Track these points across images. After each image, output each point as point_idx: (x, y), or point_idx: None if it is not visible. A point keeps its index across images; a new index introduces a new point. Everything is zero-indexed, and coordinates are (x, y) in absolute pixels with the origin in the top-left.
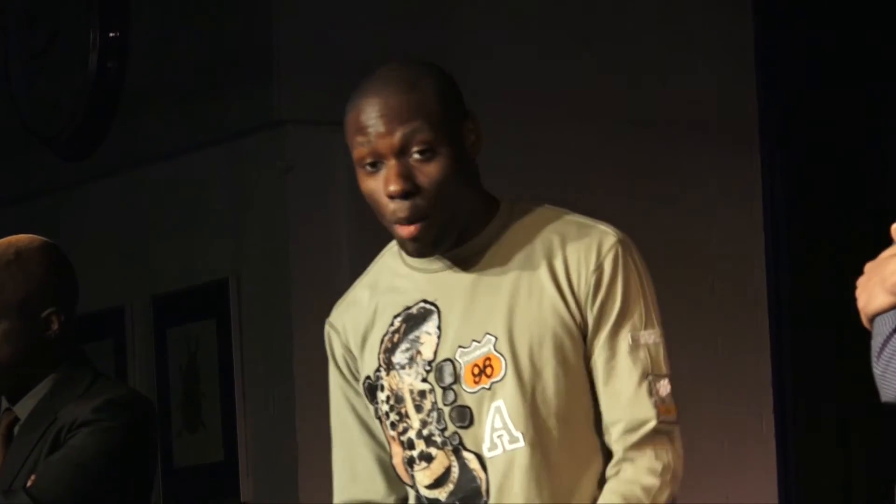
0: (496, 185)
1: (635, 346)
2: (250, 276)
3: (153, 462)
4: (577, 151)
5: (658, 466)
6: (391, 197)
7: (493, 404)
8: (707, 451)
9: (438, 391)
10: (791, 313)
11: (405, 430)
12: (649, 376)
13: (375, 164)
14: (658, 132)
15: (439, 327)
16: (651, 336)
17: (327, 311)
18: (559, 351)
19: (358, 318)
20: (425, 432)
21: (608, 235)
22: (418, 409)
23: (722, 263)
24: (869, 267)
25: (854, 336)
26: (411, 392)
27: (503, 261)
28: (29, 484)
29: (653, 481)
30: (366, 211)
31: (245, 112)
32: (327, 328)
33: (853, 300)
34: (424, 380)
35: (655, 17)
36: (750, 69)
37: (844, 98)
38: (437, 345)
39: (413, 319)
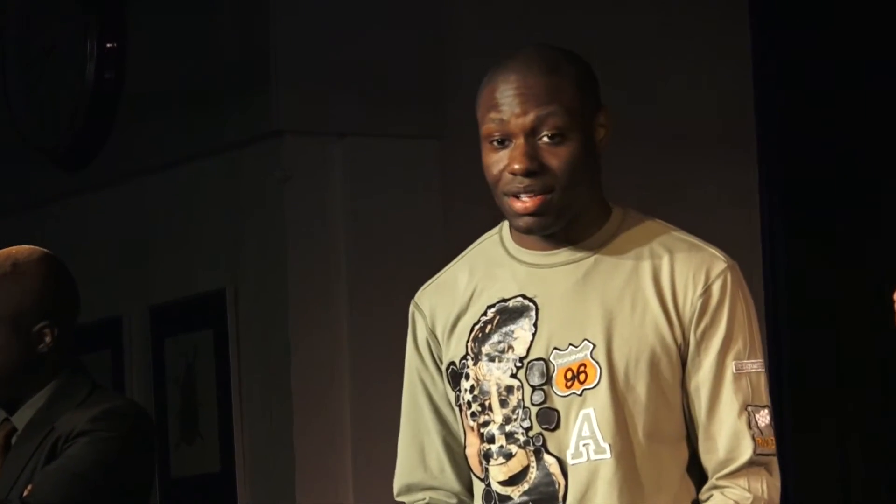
0: (490, 196)
1: (738, 375)
2: (248, 286)
3: (151, 472)
4: None
5: (748, 498)
6: (514, 174)
7: (583, 411)
8: None
9: (527, 389)
10: (788, 319)
11: (486, 423)
12: (749, 407)
13: (503, 142)
14: (655, 139)
15: (535, 325)
16: (754, 365)
17: (325, 321)
18: (655, 368)
19: (450, 300)
20: (508, 428)
21: (718, 260)
22: (503, 403)
23: None
24: None
25: (852, 341)
26: (498, 386)
27: (610, 269)
28: (26, 494)
29: None
30: (363, 221)
31: (242, 122)
32: (412, 308)
33: (852, 308)
34: (514, 375)
35: (653, 23)
36: (747, 75)
37: (842, 104)
38: (532, 342)
39: (508, 312)
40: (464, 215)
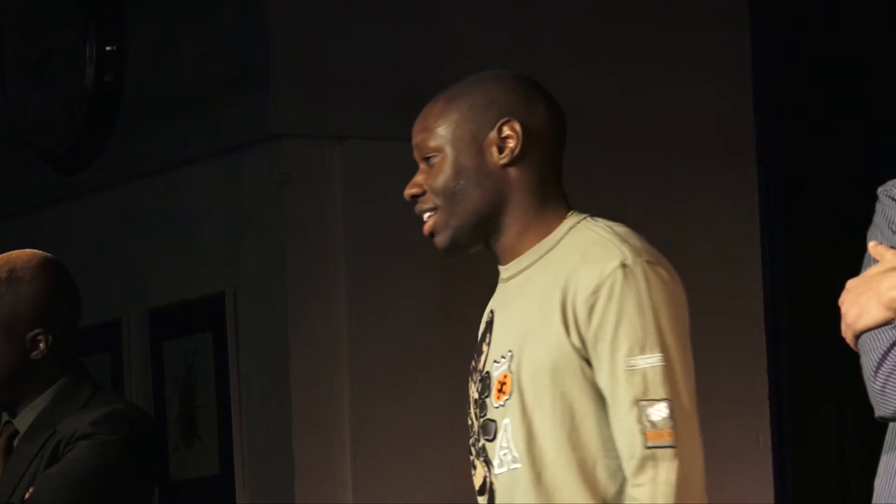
0: None
1: (630, 372)
2: (247, 289)
3: (152, 475)
4: (572, 165)
5: (642, 494)
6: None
7: (504, 421)
8: (704, 464)
9: (479, 402)
10: (788, 327)
11: (470, 436)
12: (641, 402)
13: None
14: (655, 145)
15: (490, 338)
16: (649, 360)
17: (324, 324)
18: (559, 376)
19: (482, 320)
20: (472, 441)
21: (613, 260)
22: (474, 417)
23: (718, 274)
24: (854, 283)
25: (851, 350)
26: (472, 400)
27: (538, 279)
28: (27, 496)
29: None
30: (362, 224)
31: (242, 125)
32: None
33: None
34: (477, 389)
35: (653, 30)
36: (747, 82)
37: (841, 111)
38: (486, 356)
39: (484, 328)
40: None
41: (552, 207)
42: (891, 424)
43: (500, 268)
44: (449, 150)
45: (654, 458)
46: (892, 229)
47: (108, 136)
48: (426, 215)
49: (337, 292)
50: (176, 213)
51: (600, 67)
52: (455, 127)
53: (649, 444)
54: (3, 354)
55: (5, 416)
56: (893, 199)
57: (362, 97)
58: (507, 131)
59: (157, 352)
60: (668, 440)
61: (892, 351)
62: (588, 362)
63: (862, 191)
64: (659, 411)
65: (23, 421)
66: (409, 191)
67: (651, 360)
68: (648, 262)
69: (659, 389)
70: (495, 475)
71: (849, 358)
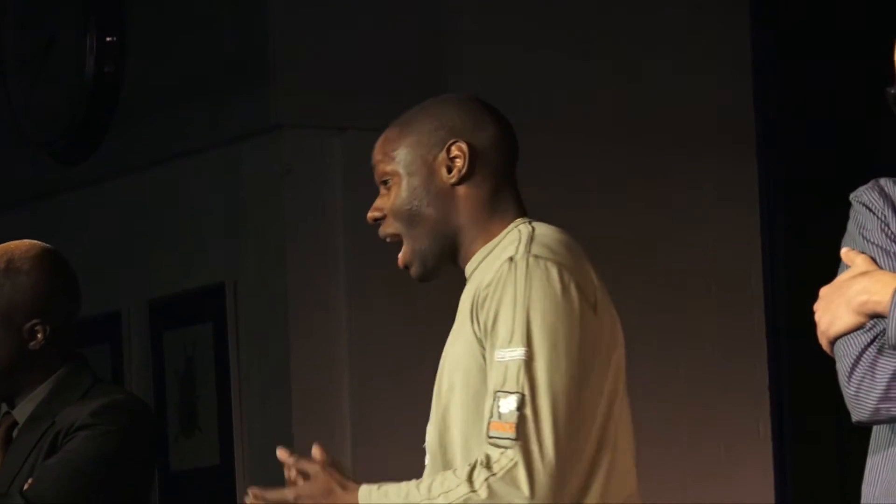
0: None
1: (499, 363)
2: (247, 279)
3: (151, 466)
4: (574, 155)
5: (477, 471)
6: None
7: (431, 416)
8: (704, 453)
9: None
10: (788, 318)
11: None
12: (497, 393)
13: None
14: (655, 136)
15: None
16: (513, 353)
17: (324, 315)
18: (468, 369)
19: None
20: None
21: (503, 255)
22: None
23: (719, 267)
24: (826, 291)
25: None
26: None
27: (474, 281)
28: (26, 487)
29: (459, 477)
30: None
31: (242, 116)
32: None
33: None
34: None
35: (652, 21)
36: (747, 72)
37: (842, 101)
38: None
39: None
40: None
41: (500, 217)
42: (875, 428)
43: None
44: (403, 174)
45: (492, 449)
46: (862, 235)
47: (108, 128)
48: (388, 240)
49: (337, 283)
50: (176, 203)
51: (602, 57)
52: (408, 151)
53: (491, 434)
54: (1, 345)
55: (4, 407)
56: (864, 205)
57: (362, 88)
58: (455, 151)
59: (157, 343)
60: (508, 432)
61: (864, 355)
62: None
63: (863, 182)
64: (508, 404)
65: (22, 412)
66: (372, 214)
67: (514, 354)
68: (535, 257)
69: (515, 383)
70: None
71: None
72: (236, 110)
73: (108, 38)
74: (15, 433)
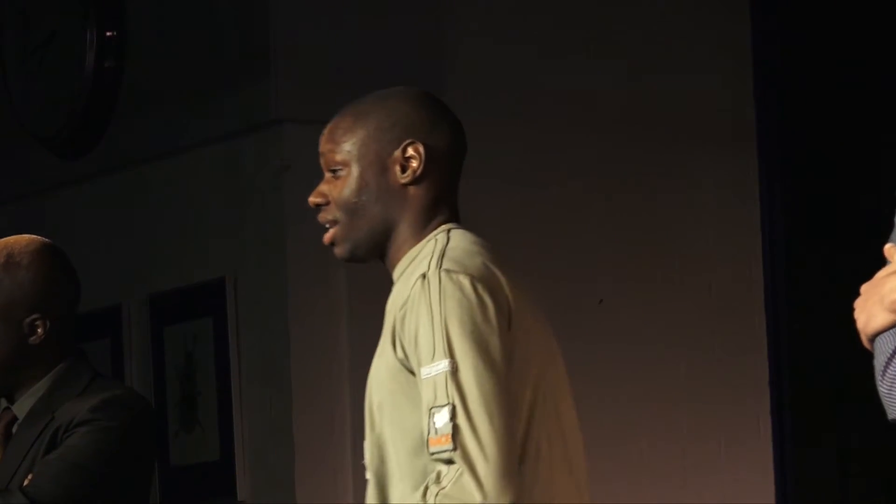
0: (492, 184)
1: (426, 380)
2: (247, 274)
3: (151, 461)
4: (574, 152)
5: (431, 487)
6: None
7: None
8: (704, 450)
9: None
10: (788, 314)
11: None
12: (431, 409)
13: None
14: (655, 132)
15: None
16: (438, 367)
17: (324, 310)
18: (392, 387)
19: None
20: None
21: (417, 273)
22: None
23: (719, 264)
24: (865, 288)
25: (851, 337)
26: None
27: (395, 291)
28: (26, 483)
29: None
30: None
31: (242, 111)
32: None
33: (850, 301)
34: None
35: (653, 17)
36: (748, 69)
37: (842, 98)
38: None
39: None
40: (463, 203)
41: (435, 222)
42: None
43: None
44: (354, 167)
45: (437, 465)
46: None
47: (109, 122)
48: (327, 225)
49: (337, 277)
50: (176, 198)
51: (602, 55)
52: (361, 144)
53: (432, 451)
54: (1, 340)
55: (4, 403)
56: None
57: (362, 82)
58: (410, 152)
59: (157, 337)
60: (445, 445)
61: None
62: (413, 374)
63: (863, 179)
64: (441, 417)
65: (21, 407)
66: (314, 199)
67: (439, 367)
68: (446, 271)
69: (443, 395)
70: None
71: (848, 345)
72: (236, 105)
73: (108, 33)
74: (14, 429)
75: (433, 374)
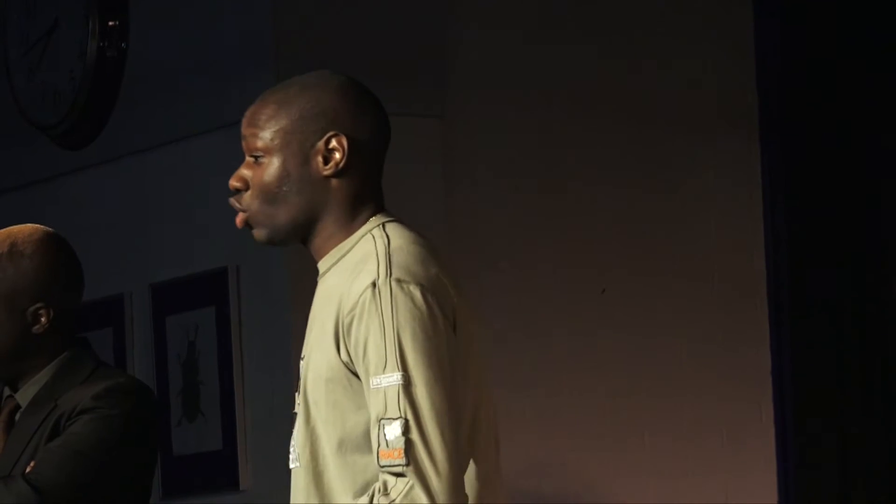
0: (495, 177)
1: (375, 390)
2: (249, 264)
3: (153, 450)
4: (575, 140)
5: (378, 500)
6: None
7: (297, 419)
8: (706, 441)
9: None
10: (791, 303)
11: None
12: (382, 420)
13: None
14: (657, 120)
15: (307, 337)
16: (389, 379)
17: None
18: (331, 385)
19: None
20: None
21: (368, 278)
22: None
23: (721, 253)
24: None
25: (853, 325)
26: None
27: (332, 285)
28: (28, 470)
29: None
30: None
31: (244, 99)
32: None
33: (852, 289)
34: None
35: (654, 4)
36: (749, 56)
37: (844, 85)
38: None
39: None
40: (465, 194)
41: (361, 214)
42: None
43: (318, 264)
44: (276, 155)
45: (387, 477)
46: None
47: (111, 111)
48: (239, 210)
49: None
50: (178, 187)
51: (604, 43)
52: (284, 134)
53: (382, 464)
54: (4, 329)
55: (7, 391)
56: None
57: (364, 71)
58: (333, 143)
59: (159, 327)
60: (398, 459)
61: None
62: (357, 376)
63: (865, 166)
64: (393, 430)
65: (24, 395)
66: (234, 183)
67: (391, 380)
68: (398, 281)
69: (394, 408)
70: (292, 470)
71: (851, 333)
72: (239, 93)
73: (110, 22)
74: (17, 417)
75: (383, 385)
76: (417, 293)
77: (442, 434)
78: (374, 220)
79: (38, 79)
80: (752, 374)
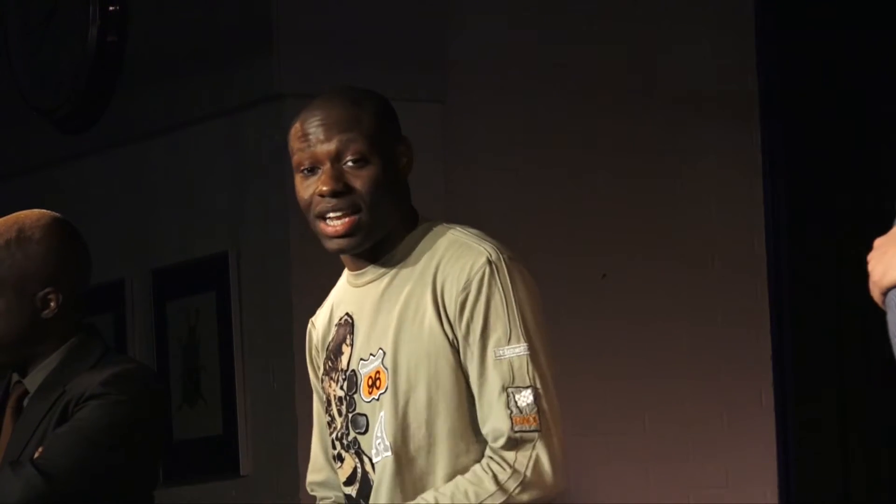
0: (496, 162)
1: (499, 361)
2: (250, 249)
3: (161, 435)
4: (576, 127)
5: (504, 475)
6: (322, 195)
7: (380, 414)
8: (707, 423)
9: (346, 399)
10: (791, 287)
11: (332, 431)
12: (509, 389)
13: (313, 170)
14: (658, 106)
15: (352, 339)
16: (515, 350)
17: (326, 285)
18: (433, 368)
19: (324, 321)
20: (339, 434)
21: (480, 257)
22: (339, 413)
23: (722, 237)
24: (881, 241)
25: (852, 309)
26: (336, 397)
27: (404, 280)
28: (36, 455)
29: (488, 487)
30: None
31: (244, 85)
32: (309, 325)
33: (852, 273)
34: (342, 387)
35: None
36: (750, 42)
37: (844, 71)
38: (350, 356)
39: (341, 330)
40: (465, 179)
41: (408, 218)
42: None
43: (351, 273)
44: (377, 156)
45: (519, 442)
46: None
47: (111, 97)
48: (340, 214)
49: None
50: (179, 172)
51: (603, 29)
52: (381, 135)
53: (516, 429)
54: (14, 314)
55: (16, 376)
56: None
57: (365, 56)
58: (402, 147)
59: (160, 312)
60: (532, 425)
61: None
62: (457, 352)
63: (865, 151)
64: (525, 398)
65: (33, 381)
66: (335, 187)
67: (517, 350)
68: (511, 259)
69: (525, 377)
70: (375, 463)
71: (851, 317)
72: (239, 79)
73: (110, 7)
74: (26, 402)
75: (507, 355)
76: (526, 270)
77: (557, 404)
78: (426, 222)
79: (39, 64)
80: (752, 358)
